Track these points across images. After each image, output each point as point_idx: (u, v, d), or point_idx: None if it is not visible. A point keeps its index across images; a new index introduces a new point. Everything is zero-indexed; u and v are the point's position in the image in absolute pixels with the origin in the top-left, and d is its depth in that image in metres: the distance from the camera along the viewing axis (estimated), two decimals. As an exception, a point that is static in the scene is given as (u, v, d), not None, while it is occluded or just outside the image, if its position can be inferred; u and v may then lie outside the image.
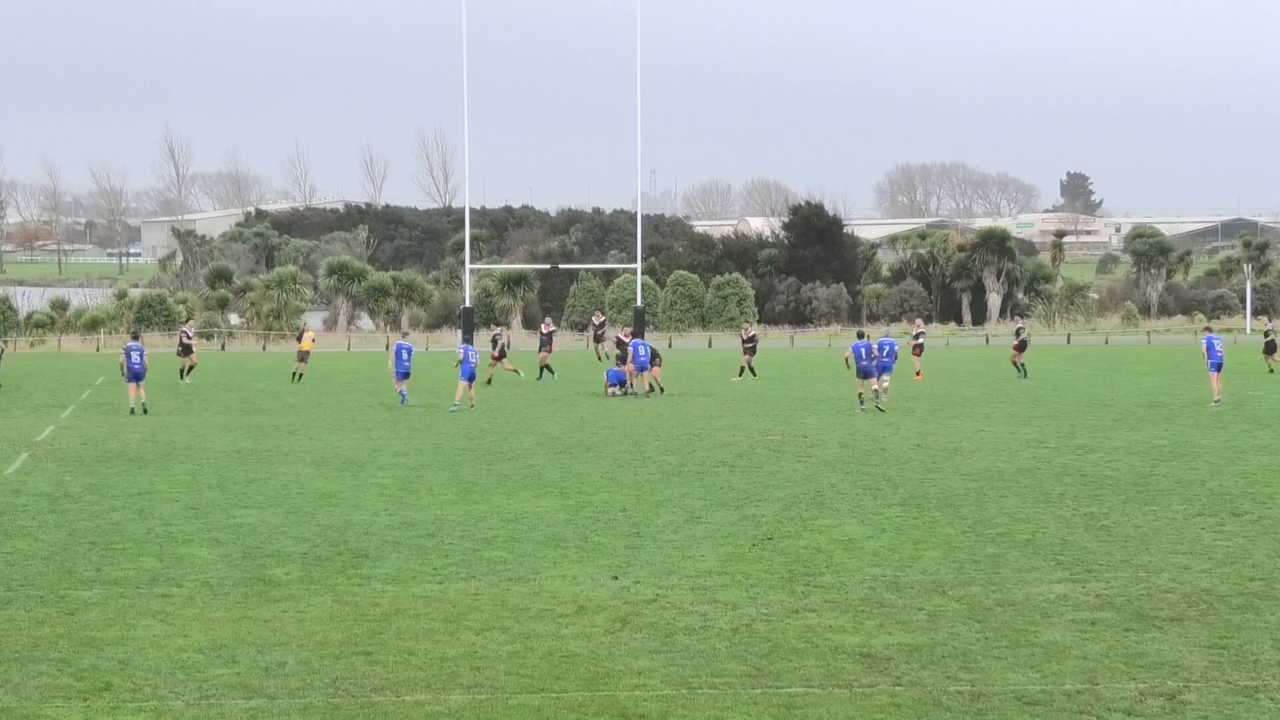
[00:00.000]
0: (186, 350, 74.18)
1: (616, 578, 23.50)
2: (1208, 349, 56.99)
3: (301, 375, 70.90)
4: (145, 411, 53.70)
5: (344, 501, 31.78)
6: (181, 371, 72.50)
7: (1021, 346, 70.96)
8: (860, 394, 53.78)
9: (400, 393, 57.73)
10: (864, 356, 53.60)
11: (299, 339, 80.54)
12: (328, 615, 20.93)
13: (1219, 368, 56.37)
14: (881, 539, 26.81)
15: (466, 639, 19.50)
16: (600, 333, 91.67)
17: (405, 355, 58.25)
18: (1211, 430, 45.09)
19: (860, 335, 57.03)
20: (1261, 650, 18.69)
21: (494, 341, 73.48)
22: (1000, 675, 17.66)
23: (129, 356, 55.94)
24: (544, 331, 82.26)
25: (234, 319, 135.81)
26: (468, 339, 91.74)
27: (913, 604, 21.45)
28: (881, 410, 52.27)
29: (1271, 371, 70.52)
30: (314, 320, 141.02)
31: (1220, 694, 16.82)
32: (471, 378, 55.57)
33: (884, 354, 55.52)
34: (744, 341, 73.81)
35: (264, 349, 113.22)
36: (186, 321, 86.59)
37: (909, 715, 16.13)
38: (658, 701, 16.61)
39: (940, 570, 23.97)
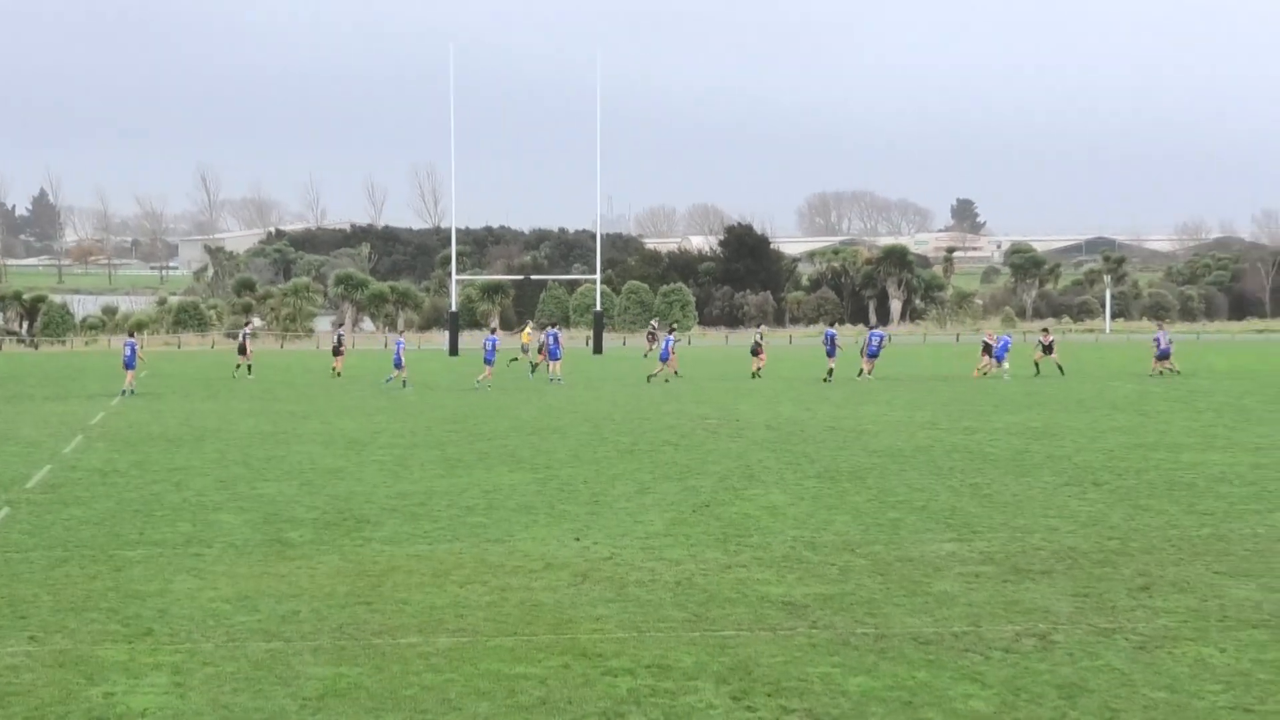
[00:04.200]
0: (242, 349, 72.27)
1: (578, 539, 23.48)
2: (867, 342, 65.50)
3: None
4: (133, 393, 55.58)
5: (349, 475, 31.70)
6: (237, 368, 71.30)
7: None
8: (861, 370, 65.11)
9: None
10: (829, 342, 65.56)
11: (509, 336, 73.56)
12: (335, 571, 20.88)
13: (874, 355, 64.97)
14: (801, 506, 26.83)
15: (452, 591, 19.47)
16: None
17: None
18: (1076, 414, 45.22)
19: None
20: (1118, 598, 18.75)
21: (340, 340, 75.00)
22: (899, 620, 17.69)
23: (124, 350, 59.69)
24: (654, 329, 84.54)
25: (256, 321, 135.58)
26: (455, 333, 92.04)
27: (826, 560, 21.46)
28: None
29: (1038, 371, 68.41)
30: (322, 323, 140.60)
31: (1083, 635, 16.88)
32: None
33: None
34: (1045, 347, 69.98)
35: (281, 347, 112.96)
36: (247, 323, 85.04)
37: (823, 653, 16.14)
38: (613, 643, 16.60)
39: (850, 532, 24.00)
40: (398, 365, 62.90)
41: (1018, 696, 14.47)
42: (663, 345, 67.51)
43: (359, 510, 26.68)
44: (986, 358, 67.91)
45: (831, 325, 70.28)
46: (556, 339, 66.16)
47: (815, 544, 22.84)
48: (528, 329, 79.73)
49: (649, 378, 65.82)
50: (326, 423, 44.29)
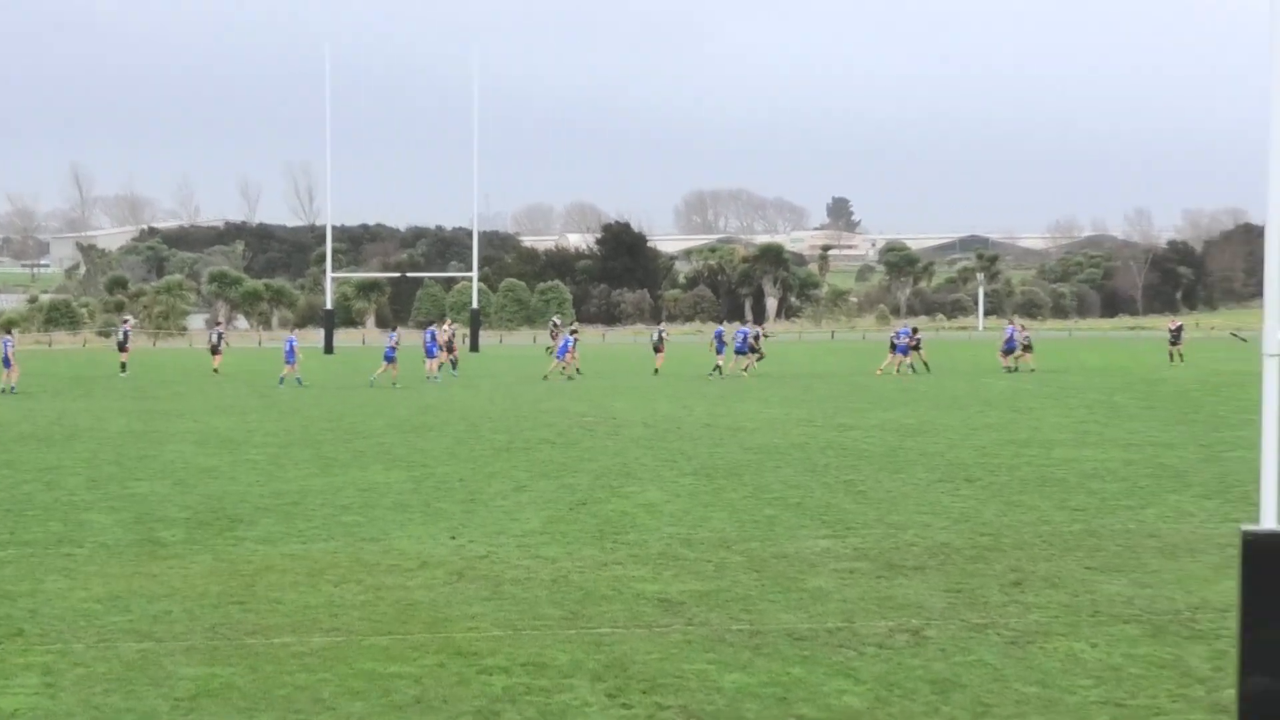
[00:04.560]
0: (122, 345, 72.31)
1: (454, 537, 23.42)
2: (735, 337, 66.23)
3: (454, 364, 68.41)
4: (13, 391, 55.23)
5: (222, 474, 31.43)
6: (122, 366, 70.77)
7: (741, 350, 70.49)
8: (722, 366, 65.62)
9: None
10: (717, 340, 67.33)
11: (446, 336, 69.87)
12: (208, 571, 20.71)
13: (739, 352, 65.19)
14: (677, 503, 26.90)
15: (326, 590, 19.37)
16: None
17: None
18: (949, 410, 45.62)
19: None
20: (990, 594, 18.95)
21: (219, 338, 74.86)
22: (774, 616, 17.78)
23: (3, 348, 58.31)
24: (555, 325, 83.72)
25: (129, 320, 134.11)
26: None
27: (703, 557, 21.54)
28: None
29: (914, 370, 68.18)
30: (195, 320, 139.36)
31: (956, 630, 17.04)
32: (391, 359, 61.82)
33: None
34: (913, 345, 69.24)
35: (154, 345, 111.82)
36: (125, 320, 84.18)
37: (699, 650, 16.20)
38: (488, 641, 16.58)
39: (725, 529, 24.09)
40: (289, 361, 62.56)
41: (891, 692, 14.59)
42: (560, 343, 68.32)
43: (232, 510, 26.46)
44: (892, 355, 68.50)
45: (720, 323, 71.91)
46: (433, 336, 66.13)
47: (691, 541, 22.91)
48: (444, 326, 79.28)
49: (546, 376, 65.53)
50: (200, 421, 43.88)
